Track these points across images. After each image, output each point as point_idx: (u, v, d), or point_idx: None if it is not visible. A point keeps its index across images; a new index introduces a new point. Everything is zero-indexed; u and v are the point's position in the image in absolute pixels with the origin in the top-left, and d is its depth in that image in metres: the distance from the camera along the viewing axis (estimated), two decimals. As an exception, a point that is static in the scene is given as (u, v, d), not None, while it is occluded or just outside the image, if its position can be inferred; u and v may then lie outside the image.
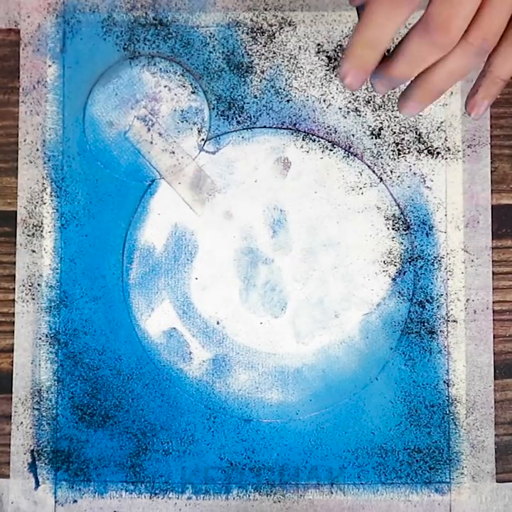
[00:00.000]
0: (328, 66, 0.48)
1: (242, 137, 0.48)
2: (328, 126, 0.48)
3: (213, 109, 0.48)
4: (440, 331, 0.47)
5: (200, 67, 0.48)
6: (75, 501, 0.47)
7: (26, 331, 0.47)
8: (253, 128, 0.48)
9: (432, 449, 0.46)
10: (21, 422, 0.47)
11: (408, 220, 0.48)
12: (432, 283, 0.47)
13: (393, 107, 0.48)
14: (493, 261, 0.47)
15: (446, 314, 0.47)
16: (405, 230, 0.48)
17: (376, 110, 0.48)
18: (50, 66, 0.48)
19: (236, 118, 0.48)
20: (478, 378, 0.47)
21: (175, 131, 0.47)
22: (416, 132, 0.48)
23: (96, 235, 0.48)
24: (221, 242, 0.48)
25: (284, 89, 0.48)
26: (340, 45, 0.48)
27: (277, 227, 0.47)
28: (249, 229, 0.48)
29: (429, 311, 0.47)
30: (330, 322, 0.47)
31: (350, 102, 0.48)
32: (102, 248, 0.48)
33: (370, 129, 0.48)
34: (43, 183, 0.48)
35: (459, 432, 0.46)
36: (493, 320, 0.47)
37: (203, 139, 0.48)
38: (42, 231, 0.48)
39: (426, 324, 0.47)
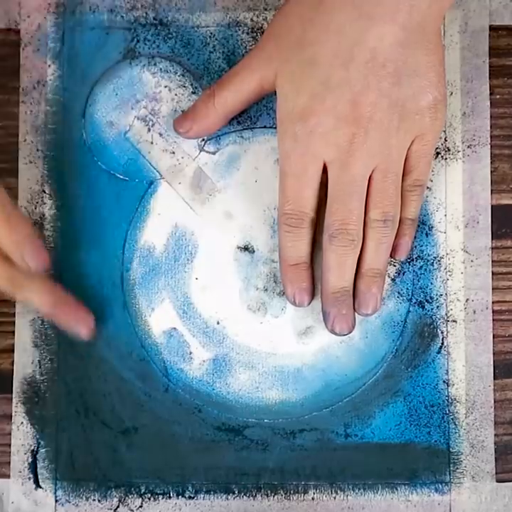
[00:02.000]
0: (328, 66, 0.48)
1: (242, 137, 0.48)
2: (328, 127, 0.48)
3: (213, 109, 0.48)
4: (440, 331, 0.47)
5: (200, 67, 0.48)
6: (76, 501, 0.47)
7: (26, 331, 0.47)
8: (253, 128, 0.48)
9: (432, 448, 0.47)
10: (21, 422, 0.47)
11: (408, 220, 0.48)
12: (431, 283, 0.47)
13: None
14: (492, 261, 0.47)
15: (446, 314, 0.47)
16: (405, 230, 0.48)
17: (376, 110, 0.48)
18: (50, 66, 0.48)
19: (236, 118, 0.48)
20: (478, 378, 0.47)
21: (175, 132, 0.47)
22: (416, 132, 0.48)
23: (96, 234, 0.48)
24: (221, 242, 0.48)
25: (284, 90, 0.48)
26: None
27: (277, 227, 0.47)
28: (250, 229, 0.48)
29: (428, 311, 0.47)
30: (330, 322, 0.47)
31: (350, 102, 0.48)
32: (102, 248, 0.48)
33: (370, 129, 0.48)
34: (43, 183, 0.48)
35: (459, 431, 0.47)
36: (493, 320, 0.47)
37: (203, 139, 0.48)
38: (42, 231, 0.48)
39: (425, 324, 0.47)
